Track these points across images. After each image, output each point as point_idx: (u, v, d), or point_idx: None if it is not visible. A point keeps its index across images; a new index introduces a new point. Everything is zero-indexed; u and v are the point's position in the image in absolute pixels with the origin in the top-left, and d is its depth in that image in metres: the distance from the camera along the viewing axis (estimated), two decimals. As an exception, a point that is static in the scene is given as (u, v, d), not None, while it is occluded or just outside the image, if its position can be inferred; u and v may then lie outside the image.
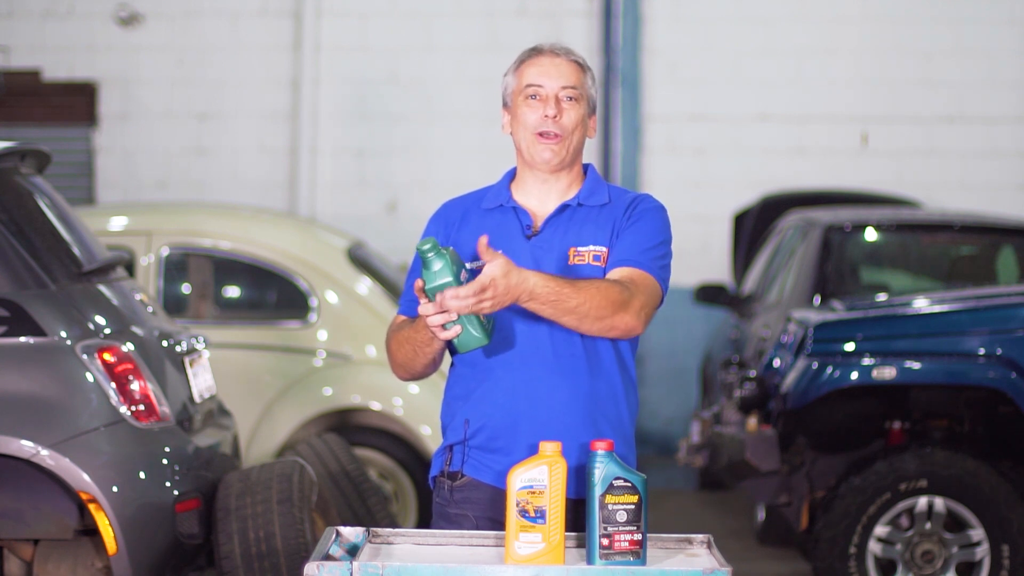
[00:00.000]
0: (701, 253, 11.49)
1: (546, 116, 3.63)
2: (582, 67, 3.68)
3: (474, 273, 3.51)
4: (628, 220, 3.66)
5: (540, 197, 3.70)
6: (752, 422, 6.87)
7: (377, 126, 11.85)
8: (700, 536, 3.46)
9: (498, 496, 3.55)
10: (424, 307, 3.43)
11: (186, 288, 7.96)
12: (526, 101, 3.66)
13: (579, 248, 3.63)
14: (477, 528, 3.59)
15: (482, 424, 3.61)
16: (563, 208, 3.67)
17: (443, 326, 3.44)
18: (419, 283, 3.43)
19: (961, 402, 6.82)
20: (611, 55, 11.61)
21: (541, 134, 3.64)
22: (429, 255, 3.39)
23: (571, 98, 3.65)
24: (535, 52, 3.69)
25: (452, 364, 3.72)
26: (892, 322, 6.83)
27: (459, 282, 3.38)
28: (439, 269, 3.38)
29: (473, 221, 3.70)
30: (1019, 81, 11.85)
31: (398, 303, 6.14)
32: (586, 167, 3.77)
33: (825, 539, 6.45)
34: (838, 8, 11.86)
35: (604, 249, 3.63)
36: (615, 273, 3.59)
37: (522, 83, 3.67)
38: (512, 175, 3.76)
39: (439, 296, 3.39)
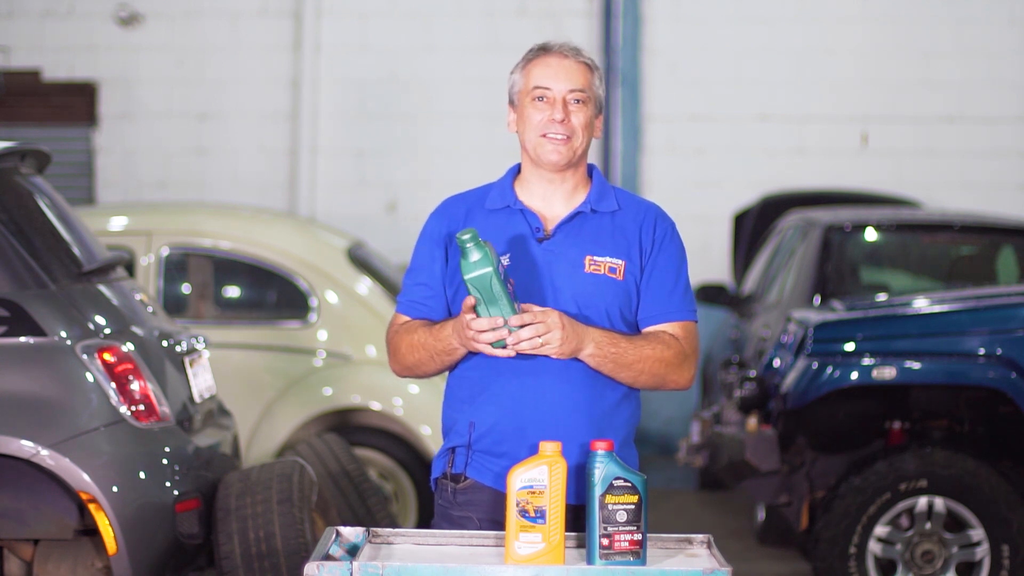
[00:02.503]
0: (701, 253, 11.48)
1: (553, 119, 3.60)
2: (590, 67, 3.65)
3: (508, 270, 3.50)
4: (653, 248, 3.64)
5: (545, 198, 3.68)
6: (752, 422, 6.87)
7: (377, 126, 11.85)
8: (700, 536, 3.46)
9: (502, 499, 3.54)
10: (479, 322, 3.42)
11: (186, 288, 7.96)
12: (533, 103, 3.63)
13: (596, 257, 3.61)
14: (480, 530, 3.57)
15: (488, 428, 3.60)
16: (576, 214, 3.65)
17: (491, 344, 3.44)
18: (470, 301, 3.41)
19: (961, 402, 6.82)
20: (611, 55, 11.61)
21: (547, 136, 3.62)
22: (468, 245, 3.36)
23: (579, 100, 3.62)
24: (543, 52, 3.65)
25: (452, 368, 3.70)
26: (892, 322, 6.83)
27: (498, 275, 3.37)
28: (478, 259, 3.36)
29: (477, 221, 3.67)
30: (1019, 81, 11.85)
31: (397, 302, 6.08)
32: (590, 169, 3.74)
33: (825, 539, 6.45)
34: (838, 8, 11.86)
35: (621, 262, 3.62)
36: (664, 328, 3.62)
37: (529, 84, 3.64)
38: (515, 173, 3.73)
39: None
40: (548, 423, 3.55)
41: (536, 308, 3.47)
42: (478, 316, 3.42)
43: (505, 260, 3.60)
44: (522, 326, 3.43)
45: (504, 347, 3.45)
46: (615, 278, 3.60)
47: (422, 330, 3.62)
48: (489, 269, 3.35)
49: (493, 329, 3.41)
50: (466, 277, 3.37)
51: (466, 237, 3.36)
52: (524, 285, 3.57)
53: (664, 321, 3.62)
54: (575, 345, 3.49)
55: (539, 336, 3.44)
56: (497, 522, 3.54)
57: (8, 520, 5.27)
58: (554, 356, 3.49)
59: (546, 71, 3.63)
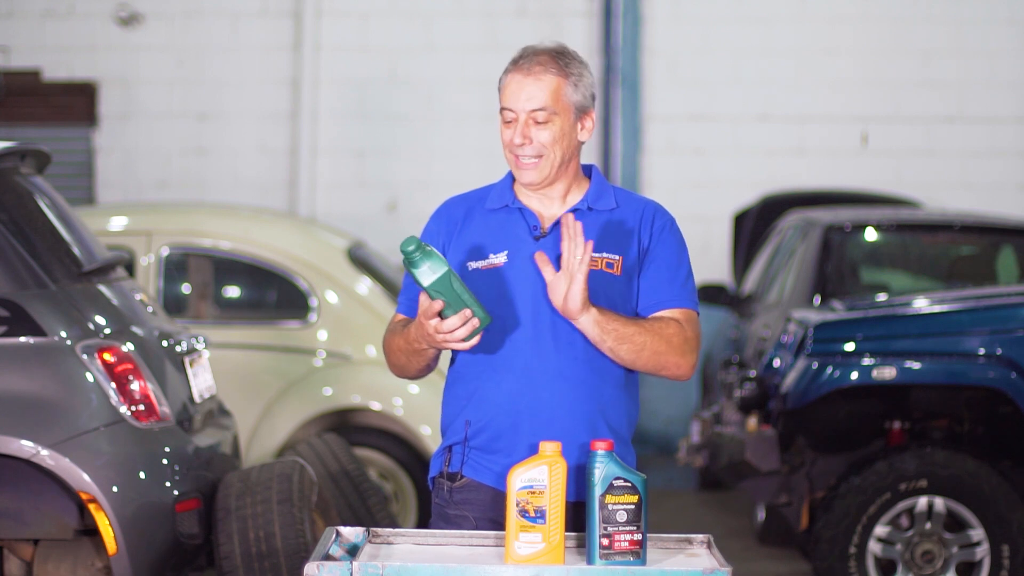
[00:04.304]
0: (701, 253, 11.49)
1: (514, 142, 3.59)
2: (561, 76, 3.57)
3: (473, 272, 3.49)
4: (651, 242, 3.63)
5: (542, 200, 3.67)
6: (752, 422, 6.87)
7: (377, 126, 11.85)
8: (700, 536, 3.46)
9: (498, 497, 3.54)
10: (449, 323, 3.40)
11: (186, 288, 7.96)
12: (503, 121, 3.62)
13: (592, 254, 3.59)
14: (476, 529, 3.57)
15: (483, 425, 3.60)
16: (572, 212, 3.63)
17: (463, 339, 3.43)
18: (435, 307, 3.39)
19: (961, 402, 6.82)
20: (611, 55, 11.61)
21: (517, 157, 3.61)
22: (416, 254, 3.35)
23: (540, 121, 3.57)
24: (514, 64, 3.61)
25: (452, 364, 3.70)
26: (892, 322, 6.83)
27: (454, 271, 3.37)
28: (432, 264, 3.35)
29: (477, 220, 3.67)
30: (1019, 81, 11.85)
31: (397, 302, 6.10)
32: (589, 168, 3.73)
33: (825, 539, 6.45)
34: (838, 8, 11.86)
35: (617, 257, 3.60)
36: (664, 314, 3.60)
37: (500, 101, 3.63)
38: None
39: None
40: (542, 420, 3.55)
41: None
42: (443, 317, 3.40)
43: (503, 257, 3.60)
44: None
45: (476, 335, 3.43)
46: (612, 273, 3.59)
47: (400, 334, 3.63)
48: (445, 269, 3.35)
49: (464, 323, 3.40)
50: (426, 285, 3.35)
51: (411, 248, 3.34)
52: (521, 282, 3.57)
53: (664, 308, 3.61)
54: (585, 297, 3.44)
55: (577, 258, 3.41)
56: (493, 521, 3.54)
57: (8, 520, 5.27)
58: (572, 298, 3.43)
59: (509, 91, 3.59)
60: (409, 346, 3.57)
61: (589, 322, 3.49)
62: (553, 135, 3.58)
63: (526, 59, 3.59)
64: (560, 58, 3.60)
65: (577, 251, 3.42)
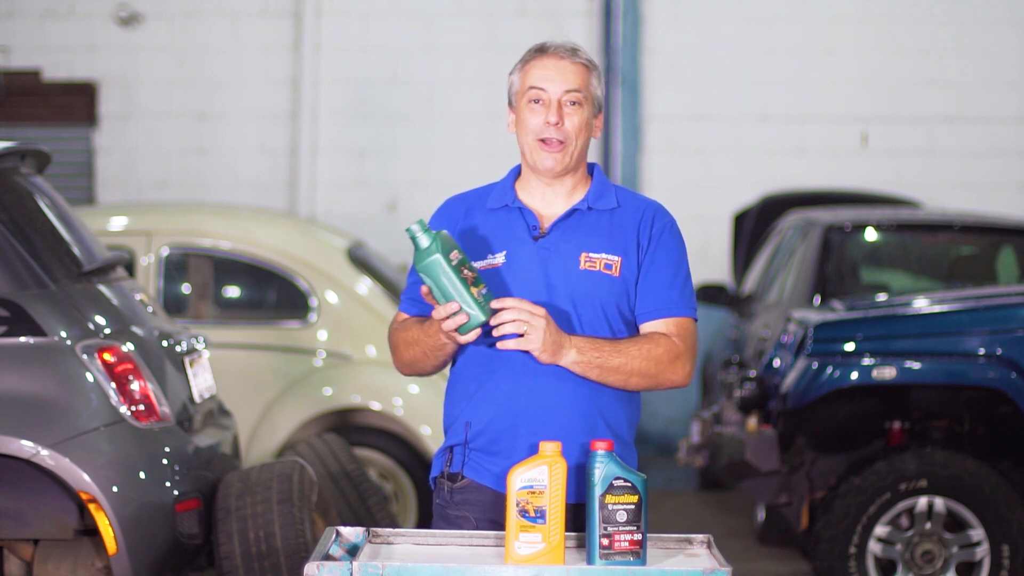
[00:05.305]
0: (701, 253, 11.49)
1: (548, 123, 3.58)
2: (588, 67, 3.61)
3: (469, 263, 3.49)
4: (650, 244, 3.62)
5: (545, 199, 3.67)
6: (752, 422, 6.87)
7: (377, 126, 11.85)
8: (700, 536, 3.46)
9: (498, 499, 3.54)
10: (438, 311, 3.41)
11: (186, 288, 7.96)
12: (529, 105, 3.60)
13: (591, 254, 3.59)
14: (477, 530, 3.57)
15: (483, 426, 3.59)
16: (572, 212, 3.64)
17: (457, 330, 3.42)
18: (424, 290, 3.42)
19: (961, 402, 6.82)
20: (611, 55, 11.61)
21: (543, 140, 3.60)
22: (418, 234, 3.37)
23: (574, 102, 3.58)
24: (540, 52, 3.62)
25: (454, 365, 3.70)
26: (892, 322, 6.83)
27: (448, 261, 3.36)
28: (426, 248, 3.36)
29: (477, 219, 3.66)
30: (1019, 81, 11.85)
31: (398, 302, 6.13)
32: (592, 167, 3.73)
33: (825, 539, 6.45)
34: (838, 8, 11.87)
35: (617, 258, 3.60)
36: (657, 326, 3.59)
37: (526, 84, 3.61)
38: (517, 173, 3.72)
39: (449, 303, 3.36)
40: (542, 422, 3.54)
41: (527, 303, 3.47)
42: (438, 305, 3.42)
43: (501, 258, 3.60)
44: (502, 310, 3.43)
45: (471, 331, 3.42)
46: (611, 274, 3.59)
47: (416, 327, 3.62)
48: (437, 256, 3.36)
49: (450, 315, 3.40)
50: (416, 267, 3.39)
51: (414, 227, 3.37)
52: (520, 282, 3.56)
53: (658, 317, 3.60)
54: (556, 347, 3.46)
55: (523, 323, 3.42)
56: (494, 522, 3.54)
57: (8, 520, 5.27)
58: (537, 355, 3.47)
59: (542, 72, 3.60)
60: (428, 339, 3.56)
61: (569, 364, 3.50)
62: (581, 121, 3.60)
63: (556, 46, 3.62)
64: (584, 53, 3.65)
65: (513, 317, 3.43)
